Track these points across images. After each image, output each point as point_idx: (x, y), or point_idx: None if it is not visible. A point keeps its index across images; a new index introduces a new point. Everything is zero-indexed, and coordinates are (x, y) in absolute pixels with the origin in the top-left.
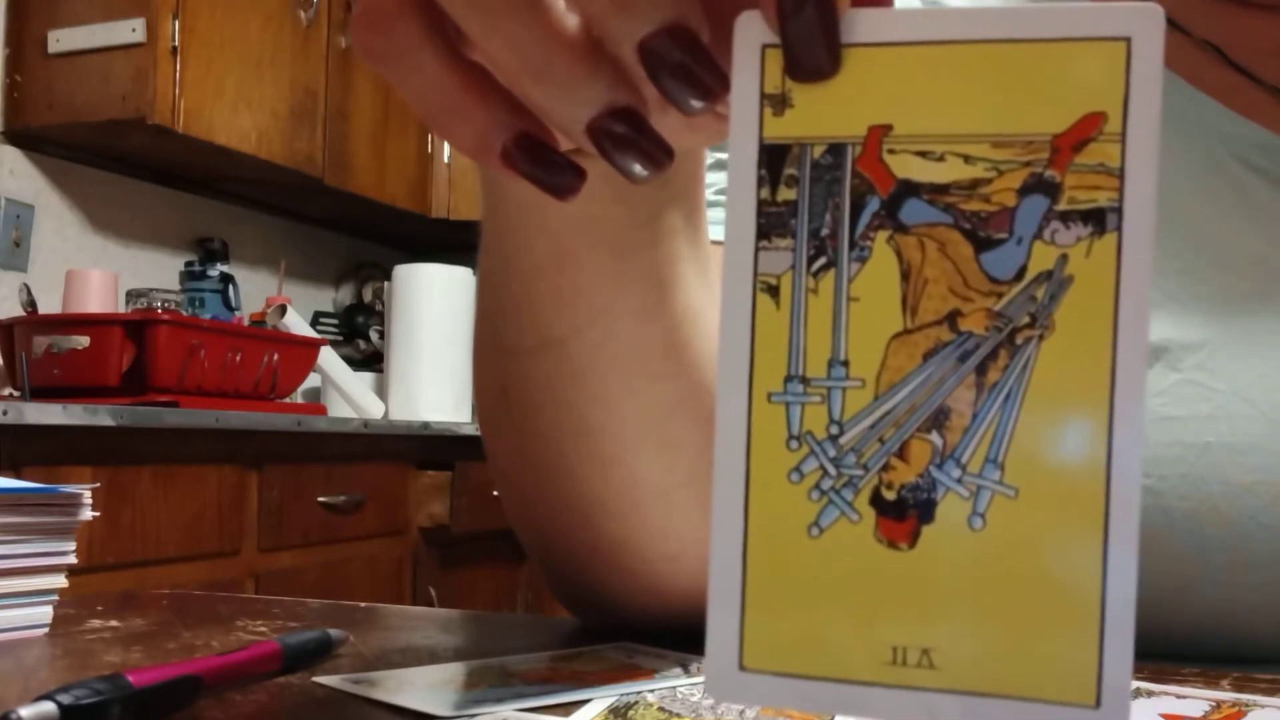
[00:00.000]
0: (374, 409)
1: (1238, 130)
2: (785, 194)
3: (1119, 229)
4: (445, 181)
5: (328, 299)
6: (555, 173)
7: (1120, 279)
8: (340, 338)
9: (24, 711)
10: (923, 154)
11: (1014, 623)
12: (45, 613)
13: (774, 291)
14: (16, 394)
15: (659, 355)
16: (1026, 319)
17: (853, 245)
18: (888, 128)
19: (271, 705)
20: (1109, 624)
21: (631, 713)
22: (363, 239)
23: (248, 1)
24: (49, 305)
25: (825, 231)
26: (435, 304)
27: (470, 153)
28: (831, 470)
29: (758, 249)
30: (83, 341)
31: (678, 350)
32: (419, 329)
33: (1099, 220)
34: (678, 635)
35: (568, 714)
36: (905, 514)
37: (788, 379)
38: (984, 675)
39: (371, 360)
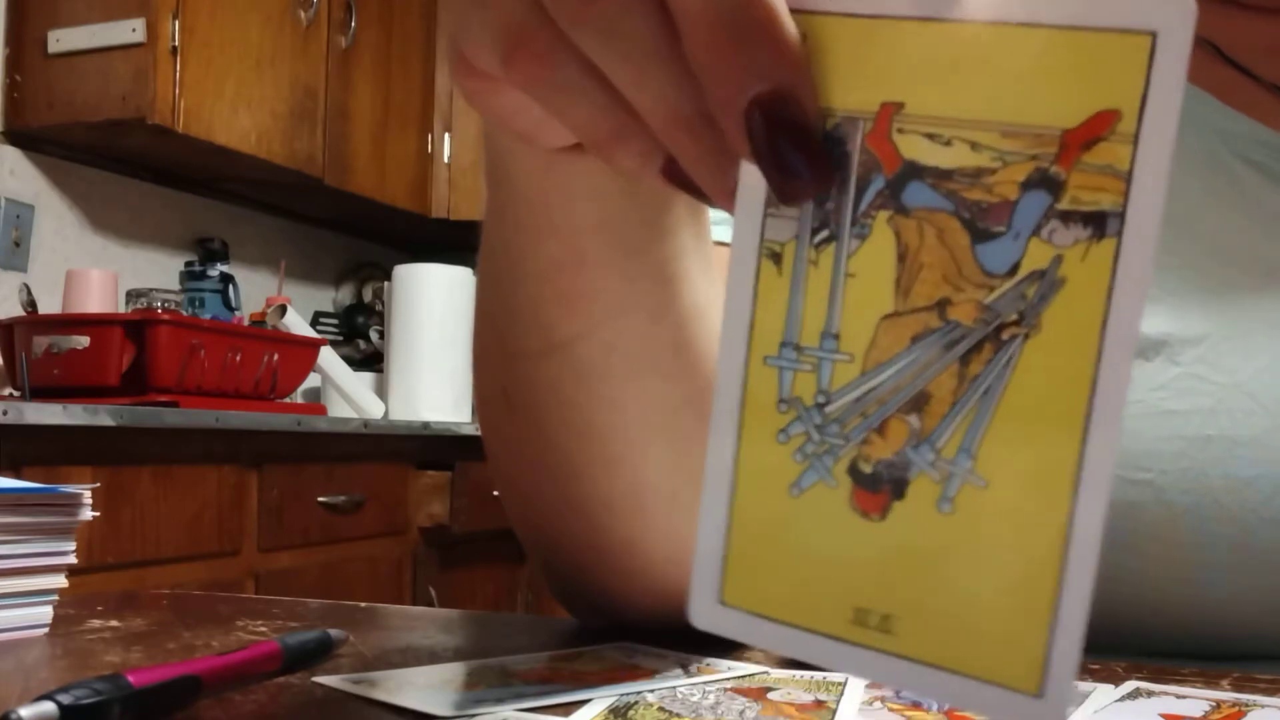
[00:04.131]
0: (374, 409)
1: (1237, 126)
2: None
3: (1119, 235)
4: (445, 181)
5: (328, 299)
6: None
7: (1114, 287)
8: (340, 338)
9: (24, 711)
10: (931, 136)
11: (971, 604)
12: (45, 613)
13: (777, 258)
14: (16, 394)
15: (668, 354)
16: (1014, 316)
17: (855, 222)
18: (899, 106)
19: (271, 705)
20: (1061, 620)
21: (631, 713)
22: (363, 239)
23: (248, 1)
24: (49, 305)
25: (830, 205)
26: (435, 304)
27: (634, 173)
28: (815, 436)
29: (766, 214)
30: (83, 341)
31: (685, 348)
32: (419, 329)
33: (1099, 224)
34: (678, 635)
35: (568, 714)
36: (879, 487)
37: (783, 344)
38: (936, 648)
39: (371, 360)
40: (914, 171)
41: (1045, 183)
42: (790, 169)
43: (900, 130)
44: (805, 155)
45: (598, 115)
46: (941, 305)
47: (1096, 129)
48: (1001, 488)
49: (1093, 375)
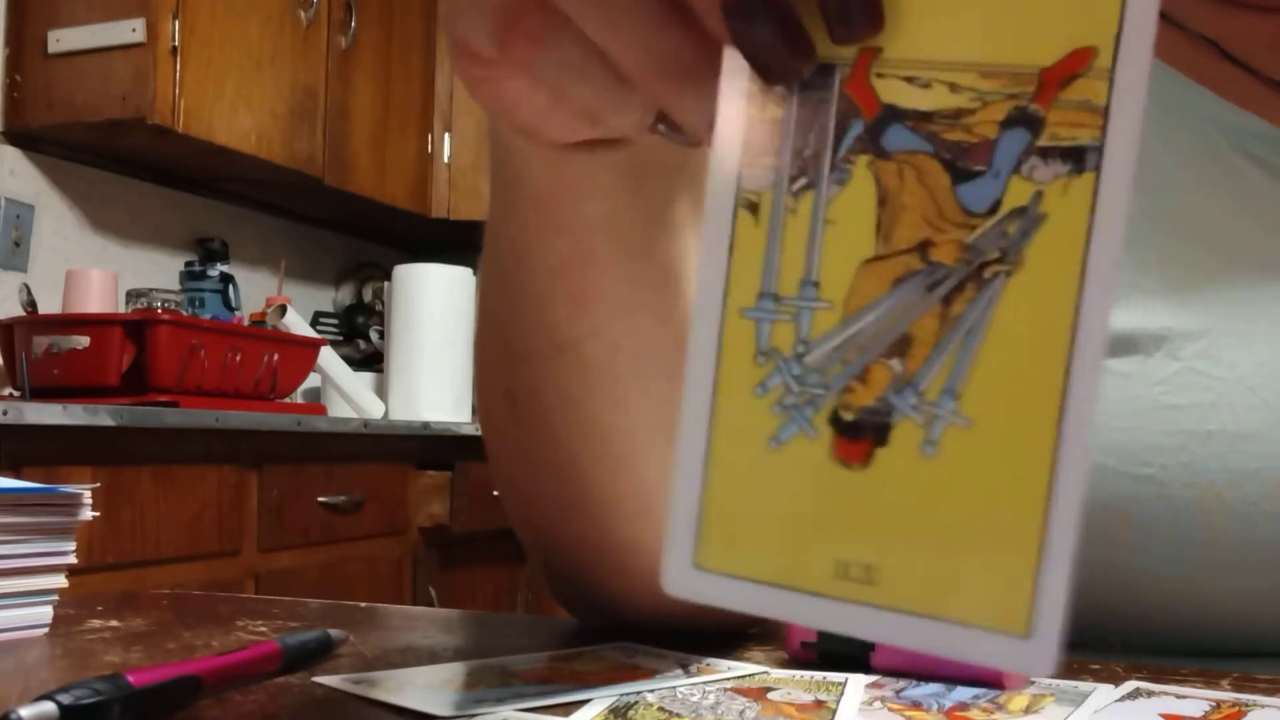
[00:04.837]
0: (374, 409)
1: (1236, 121)
2: (773, 111)
3: (1098, 168)
4: (445, 181)
5: (328, 299)
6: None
7: (1094, 220)
8: (340, 338)
9: (24, 711)
10: (910, 79)
11: (955, 548)
12: (45, 613)
13: (754, 208)
14: (16, 394)
15: (674, 353)
16: (996, 254)
17: (833, 167)
18: (877, 51)
19: (271, 705)
20: (1047, 558)
21: (631, 713)
22: (363, 239)
23: (248, 1)
24: (49, 305)
25: (808, 152)
26: (435, 304)
27: (629, 134)
28: (795, 387)
29: (742, 164)
30: (83, 341)
31: None
32: (419, 329)
33: (1078, 159)
34: (678, 635)
35: (568, 714)
36: (861, 435)
37: (761, 295)
38: (921, 596)
39: (371, 360)
40: (893, 115)
41: (1024, 120)
42: (770, 46)
43: (879, 75)
44: (784, 32)
45: (594, 88)
46: (923, 247)
47: (1074, 66)
48: (986, 427)
49: (1075, 309)
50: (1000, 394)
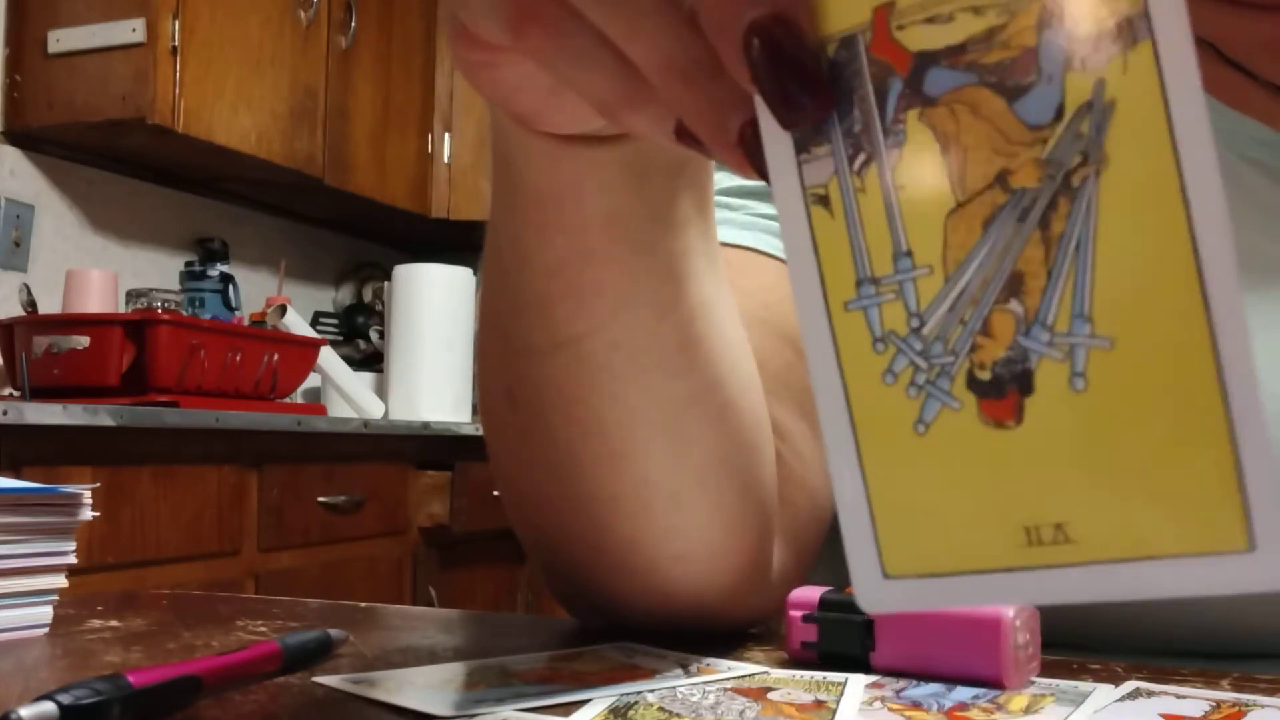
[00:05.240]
0: (374, 409)
1: (1234, 124)
2: None
3: (1150, 34)
4: (445, 181)
5: (328, 299)
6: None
7: (1165, 86)
8: (340, 338)
9: (24, 711)
10: (931, 19)
11: (1143, 478)
12: (45, 613)
13: (825, 201)
14: (16, 394)
15: (674, 351)
16: (1078, 158)
17: (887, 132)
18: (890, 5)
19: (271, 705)
20: (1245, 457)
21: (631, 713)
22: (363, 239)
23: (248, 1)
24: (49, 305)
25: (858, 127)
26: (435, 304)
27: (647, 135)
28: (922, 364)
29: (800, 163)
30: (83, 341)
31: (692, 345)
32: (419, 329)
33: (1127, 31)
34: (678, 635)
35: (568, 714)
36: (1004, 390)
37: (859, 283)
38: (1125, 540)
39: (371, 360)
40: (928, 60)
41: (1058, 14)
42: (790, 95)
43: (900, 27)
44: (805, 80)
45: (609, 81)
46: (1001, 178)
47: None
48: (1130, 341)
49: (1180, 185)
50: (1133, 300)
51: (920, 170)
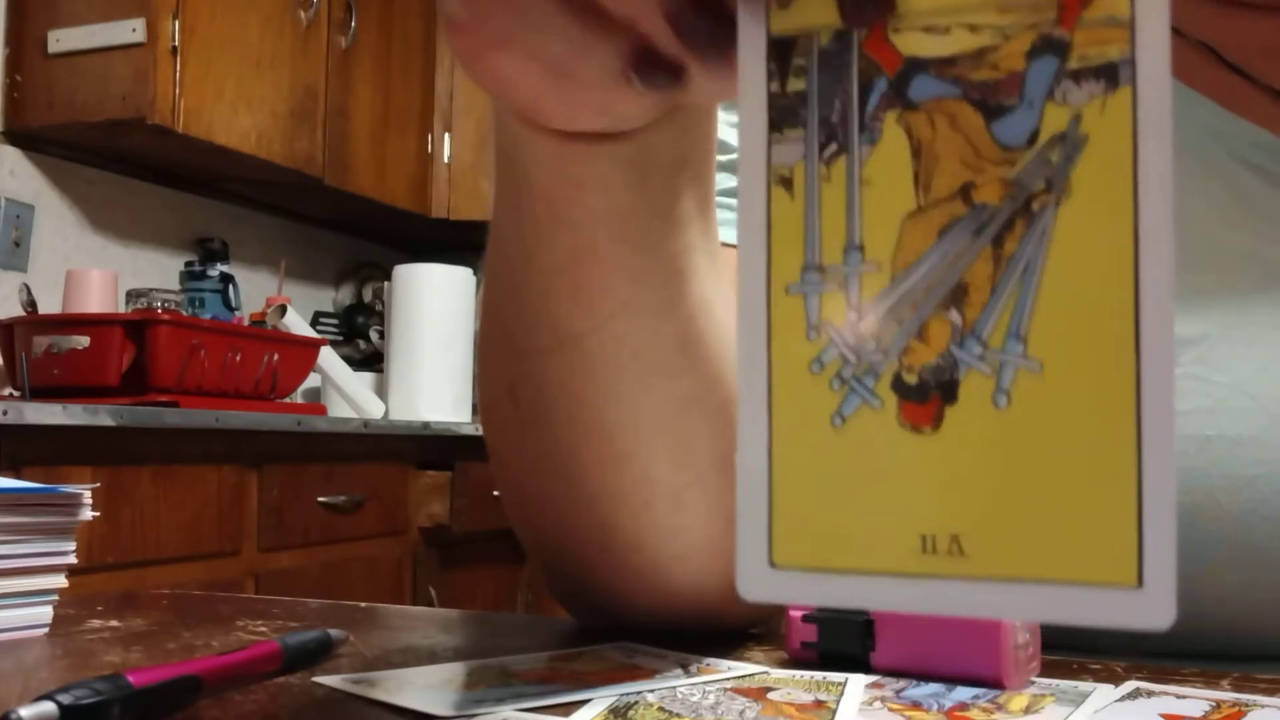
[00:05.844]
0: (374, 409)
1: (1233, 128)
2: (794, 85)
3: (1133, 82)
4: (445, 181)
5: (328, 299)
6: (667, 76)
7: (1138, 133)
8: (340, 338)
9: (24, 711)
10: (928, 29)
11: (1045, 503)
12: (45, 613)
13: (788, 184)
14: (16, 394)
15: (675, 349)
16: (1042, 184)
17: (863, 128)
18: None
19: (271, 705)
20: (1147, 498)
21: (631, 713)
22: (363, 239)
23: (248, 1)
24: (49, 305)
25: (835, 118)
26: (435, 304)
27: (603, 86)
28: (851, 358)
29: (770, 142)
30: (83, 341)
31: (693, 344)
32: (419, 329)
33: (1111, 75)
34: (678, 635)
35: (568, 714)
36: (927, 396)
37: (804, 269)
38: (1017, 560)
39: (371, 360)
40: (917, 66)
41: (1050, 46)
42: None
43: (896, 30)
44: None
45: (560, 34)
46: (965, 191)
47: None
48: (1058, 367)
49: (1134, 227)
50: (1068, 329)
51: (887, 170)
